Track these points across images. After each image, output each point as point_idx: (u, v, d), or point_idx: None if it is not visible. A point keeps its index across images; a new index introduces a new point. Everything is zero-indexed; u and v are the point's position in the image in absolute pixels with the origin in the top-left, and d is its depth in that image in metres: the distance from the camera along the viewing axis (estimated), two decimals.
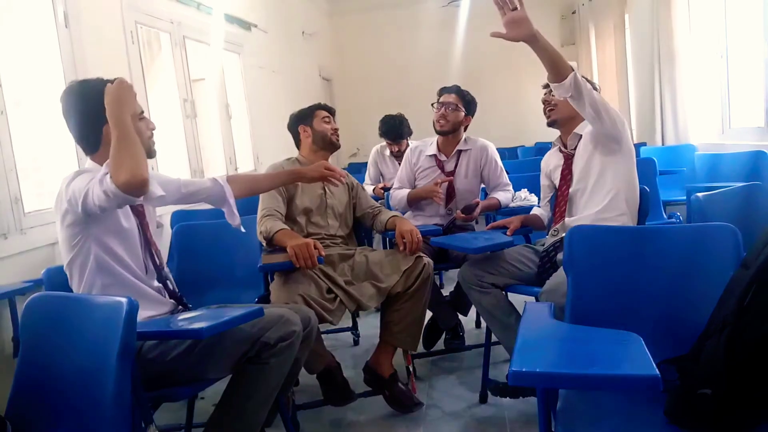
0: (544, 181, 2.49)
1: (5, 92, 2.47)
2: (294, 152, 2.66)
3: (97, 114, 1.62)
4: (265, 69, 5.66)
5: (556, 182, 2.33)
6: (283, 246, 2.16)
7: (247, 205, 3.28)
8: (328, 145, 2.57)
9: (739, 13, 3.74)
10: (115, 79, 1.67)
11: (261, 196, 2.44)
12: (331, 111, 2.63)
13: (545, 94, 2.28)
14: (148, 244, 1.75)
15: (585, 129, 2.21)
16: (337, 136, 2.59)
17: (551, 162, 2.40)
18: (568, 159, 2.27)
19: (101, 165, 1.62)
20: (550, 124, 2.32)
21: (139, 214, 1.75)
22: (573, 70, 1.95)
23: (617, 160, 2.13)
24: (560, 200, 2.27)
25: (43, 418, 1.38)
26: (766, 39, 3.16)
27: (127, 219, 1.68)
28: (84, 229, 1.59)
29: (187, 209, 3.72)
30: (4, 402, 1.41)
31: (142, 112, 1.74)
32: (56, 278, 1.76)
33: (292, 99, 5.81)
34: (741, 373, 1.13)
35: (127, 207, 1.67)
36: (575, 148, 2.24)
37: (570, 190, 2.23)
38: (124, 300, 1.28)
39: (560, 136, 2.36)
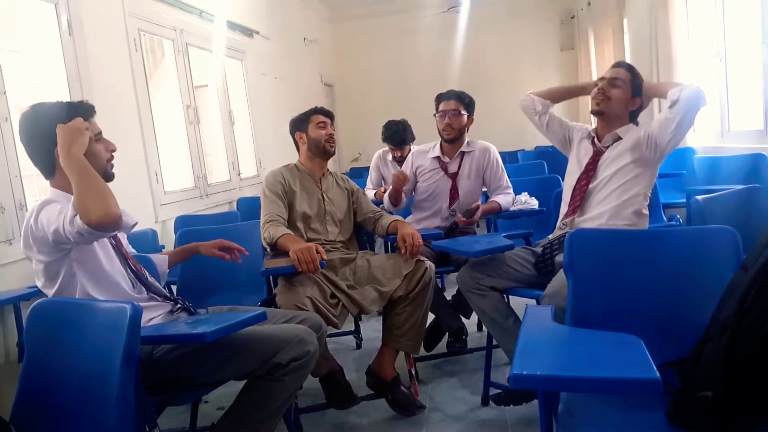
0: (565, 122, 2.45)
1: (9, 99, 2.49)
2: (295, 159, 2.66)
3: (46, 138, 1.58)
4: (268, 75, 5.69)
5: (576, 167, 2.29)
6: (286, 250, 2.17)
7: (251, 210, 3.30)
8: (322, 152, 2.55)
9: (737, 17, 3.76)
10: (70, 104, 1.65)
11: (263, 202, 2.45)
12: (328, 114, 2.59)
13: (604, 81, 2.23)
14: (125, 258, 1.74)
15: (627, 133, 2.20)
16: (332, 142, 2.56)
17: (582, 147, 2.33)
18: (597, 155, 2.25)
19: (61, 190, 1.62)
20: (594, 113, 2.26)
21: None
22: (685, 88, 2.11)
23: (647, 172, 2.16)
24: (576, 193, 2.24)
25: (48, 422, 1.38)
26: (764, 42, 3.17)
27: (102, 247, 1.65)
28: (63, 257, 1.55)
29: (190, 214, 3.75)
30: (8, 407, 1.42)
31: (100, 132, 1.70)
32: None
33: (294, 105, 5.82)
34: (741, 375, 1.13)
35: None
36: (608, 147, 2.23)
37: (590, 185, 2.22)
38: (127, 305, 1.29)
39: (597, 128, 2.31)
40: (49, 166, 1.64)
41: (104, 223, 1.43)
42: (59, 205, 1.51)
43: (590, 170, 2.24)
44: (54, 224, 1.47)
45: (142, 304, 1.65)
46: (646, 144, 2.13)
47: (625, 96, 2.21)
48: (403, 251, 2.32)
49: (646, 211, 2.18)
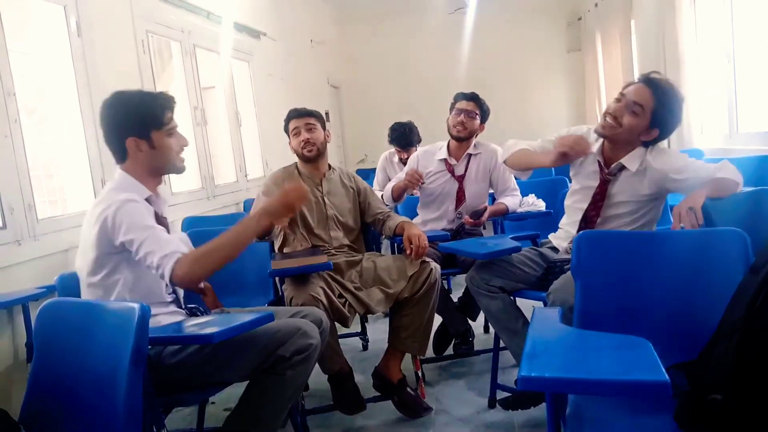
0: (547, 144, 2.21)
1: (19, 100, 2.51)
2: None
3: (120, 126, 1.64)
4: (274, 77, 5.70)
5: (586, 191, 2.14)
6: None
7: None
8: (304, 160, 2.50)
9: (745, 17, 3.74)
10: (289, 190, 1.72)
11: (254, 203, 2.40)
12: (302, 115, 2.51)
13: (621, 101, 1.96)
14: None
15: (637, 163, 2.01)
16: (310, 147, 2.46)
17: (585, 168, 2.15)
18: (604, 183, 2.08)
19: (131, 176, 1.67)
20: (599, 134, 2.05)
21: (164, 227, 1.73)
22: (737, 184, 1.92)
23: (662, 200, 2.09)
24: (590, 223, 2.11)
25: (56, 423, 1.39)
26: None
27: None
28: (116, 254, 1.59)
29: (197, 215, 3.76)
30: (18, 407, 1.43)
31: (176, 127, 1.72)
32: (69, 284, 1.77)
33: (300, 106, 5.83)
34: (751, 378, 1.12)
35: (153, 220, 1.66)
36: (615, 175, 2.06)
37: (600, 215, 2.09)
38: (136, 306, 1.30)
39: (603, 149, 2.10)
40: (121, 153, 1.68)
41: (183, 285, 1.54)
42: (141, 214, 1.57)
43: (598, 201, 2.10)
44: (131, 234, 1.53)
45: (171, 308, 1.67)
46: (666, 188, 2.02)
47: (640, 126, 1.95)
48: (408, 252, 2.31)
49: (654, 226, 2.14)
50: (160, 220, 1.74)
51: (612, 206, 2.09)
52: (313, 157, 2.50)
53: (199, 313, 1.81)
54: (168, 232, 1.76)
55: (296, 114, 2.54)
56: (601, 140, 2.10)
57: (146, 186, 1.70)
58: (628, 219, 2.08)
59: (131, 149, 1.65)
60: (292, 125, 2.52)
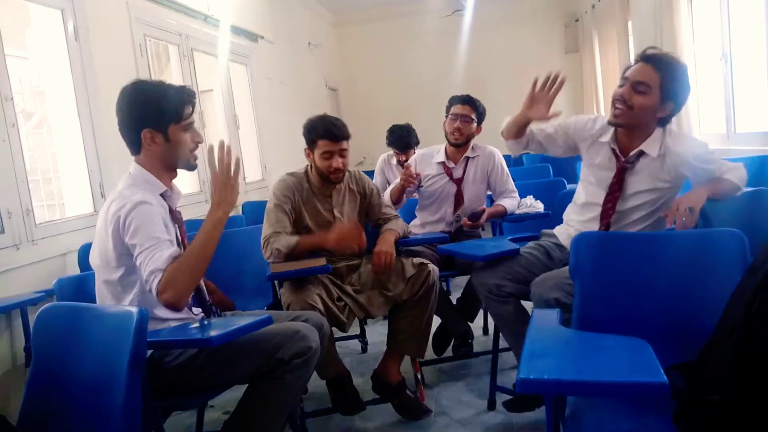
0: (557, 130, 2.15)
1: (17, 104, 2.51)
2: (301, 163, 2.51)
3: (136, 118, 1.62)
4: (272, 80, 5.70)
5: (598, 182, 2.06)
6: (315, 248, 2.20)
7: (256, 215, 3.29)
8: (326, 180, 2.37)
9: (741, 18, 3.75)
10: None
11: (266, 216, 2.33)
12: (337, 138, 2.28)
13: (625, 84, 1.90)
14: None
15: (657, 147, 1.94)
16: (339, 174, 2.31)
17: (597, 155, 2.06)
18: (621, 172, 1.99)
19: (144, 168, 1.65)
20: (613, 125, 1.98)
21: (177, 221, 1.74)
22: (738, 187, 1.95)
23: (676, 193, 2.03)
24: (604, 217, 2.03)
25: (54, 427, 1.39)
26: None
27: (169, 232, 1.64)
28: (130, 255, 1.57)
29: (196, 218, 3.75)
30: (16, 411, 1.42)
31: (193, 122, 1.69)
32: (68, 288, 1.77)
33: (298, 109, 5.85)
34: (749, 378, 1.12)
35: (168, 215, 1.67)
36: (632, 163, 1.97)
37: (617, 207, 2.00)
38: (134, 310, 1.30)
39: (617, 136, 2.01)
40: (135, 144, 1.66)
41: (168, 305, 1.51)
42: (152, 220, 1.55)
43: (615, 191, 2.00)
44: (136, 240, 1.52)
45: (183, 313, 1.67)
46: (683, 174, 1.96)
47: (651, 103, 1.88)
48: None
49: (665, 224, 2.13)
50: (175, 215, 1.73)
51: (629, 198, 1.99)
52: (338, 183, 2.40)
53: (212, 315, 1.81)
54: (182, 225, 1.76)
55: (331, 136, 2.28)
56: (612, 128, 2.03)
57: (161, 180, 1.68)
58: (646, 212, 1.99)
59: (146, 141, 1.63)
60: (323, 146, 2.28)
